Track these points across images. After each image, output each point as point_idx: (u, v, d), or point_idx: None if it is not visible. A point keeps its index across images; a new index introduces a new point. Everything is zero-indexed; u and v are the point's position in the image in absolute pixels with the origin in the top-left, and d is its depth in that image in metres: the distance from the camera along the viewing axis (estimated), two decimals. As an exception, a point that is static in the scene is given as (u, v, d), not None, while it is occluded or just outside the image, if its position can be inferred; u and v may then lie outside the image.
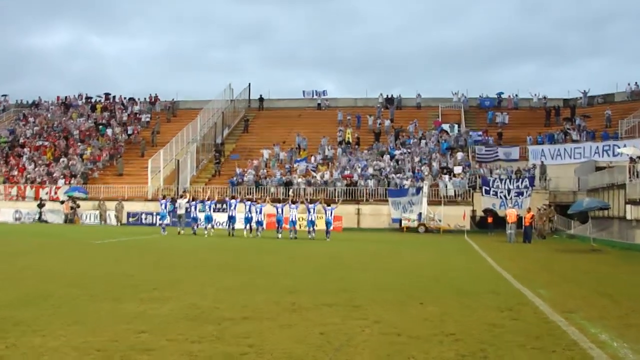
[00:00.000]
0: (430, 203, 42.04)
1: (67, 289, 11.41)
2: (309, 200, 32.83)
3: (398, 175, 45.48)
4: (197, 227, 33.32)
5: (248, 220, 31.41)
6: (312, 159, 51.02)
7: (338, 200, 36.57)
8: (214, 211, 34.54)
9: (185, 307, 9.82)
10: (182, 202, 34.70)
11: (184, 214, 34.17)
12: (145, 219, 45.36)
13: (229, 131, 60.05)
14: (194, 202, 33.70)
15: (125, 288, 11.69)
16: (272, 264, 17.11)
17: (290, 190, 45.35)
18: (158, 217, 35.91)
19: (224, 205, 38.02)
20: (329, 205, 31.20)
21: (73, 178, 50.06)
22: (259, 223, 31.02)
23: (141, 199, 47.01)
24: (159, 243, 25.96)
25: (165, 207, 33.74)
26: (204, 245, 25.01)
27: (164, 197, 34.96)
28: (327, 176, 46.23)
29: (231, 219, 32.33)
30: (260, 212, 31.17)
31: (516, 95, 60.18)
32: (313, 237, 30.83)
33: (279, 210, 30.97)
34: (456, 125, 56.11)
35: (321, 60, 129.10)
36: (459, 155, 48.84)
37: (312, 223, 31.25)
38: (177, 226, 33.92)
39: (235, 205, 32.61)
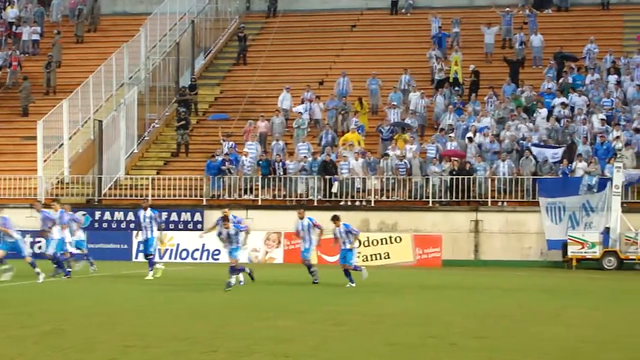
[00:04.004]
0: (627, 209, 41.95)
1: None
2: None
3: (558, 150, 45.18)
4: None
5: None
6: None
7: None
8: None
9: None
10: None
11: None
12: (34, 244, 45.63)
13: (207, 61, 60.30)
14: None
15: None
16: (289, 337, 17.34)
17: (334, 185, 45.40)
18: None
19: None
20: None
21: None
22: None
23: (23, 204, 47.25)
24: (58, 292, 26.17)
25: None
26: (152, 298, 25.31)
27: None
28: (410, 154, 46.16)
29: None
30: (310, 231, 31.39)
31: None
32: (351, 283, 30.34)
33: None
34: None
35: None
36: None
37: (350, 254, 30.71)
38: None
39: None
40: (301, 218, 31.09)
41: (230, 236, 28.58)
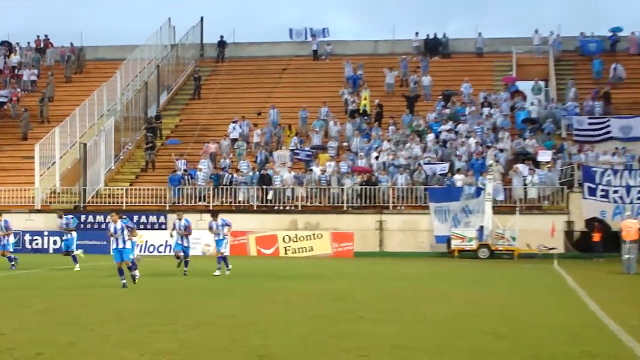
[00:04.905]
0: (497, 211, 42.39)
1: None
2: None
3: (445, 166, 45.68)
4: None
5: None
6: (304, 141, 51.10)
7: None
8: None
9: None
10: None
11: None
12: (32, 242, 45.55)
13: (170, 96, 60.30)
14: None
15: (-10, 354, 11.88)
16: (234, 312, 17.33)
17: (270, 193, 45.56)
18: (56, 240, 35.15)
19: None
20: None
21: None
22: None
23: (24, 210, 47.22)
24: (63, 281, 26.09)
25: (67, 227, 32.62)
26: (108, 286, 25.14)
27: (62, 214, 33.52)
28: (330, 169, 46.42)
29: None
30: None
31: (646, 32, 60.32)
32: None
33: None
34: (542, 84, 56.10)
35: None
36: (546, 131, 48.90)
37: (221, 242, 29.84)
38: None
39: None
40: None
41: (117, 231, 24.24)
